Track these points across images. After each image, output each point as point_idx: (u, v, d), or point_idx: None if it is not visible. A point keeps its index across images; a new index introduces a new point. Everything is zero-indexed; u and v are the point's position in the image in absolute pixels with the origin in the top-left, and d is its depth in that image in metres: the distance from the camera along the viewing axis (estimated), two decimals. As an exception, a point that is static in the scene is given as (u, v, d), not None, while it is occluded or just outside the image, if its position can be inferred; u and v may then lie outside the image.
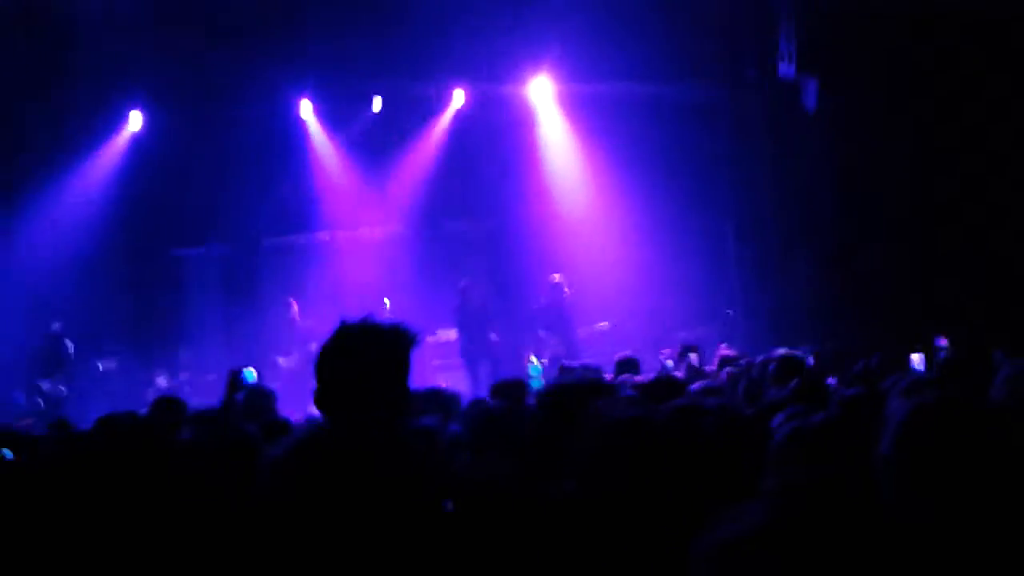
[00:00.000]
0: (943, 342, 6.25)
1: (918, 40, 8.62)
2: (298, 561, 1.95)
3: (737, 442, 2.38)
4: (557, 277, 10.15)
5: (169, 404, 4.51)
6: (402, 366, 2.10)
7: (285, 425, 4.34)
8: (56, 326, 10.32)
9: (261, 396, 5.53)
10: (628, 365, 6.36)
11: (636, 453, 2.21)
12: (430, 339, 11.07)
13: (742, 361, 5.63)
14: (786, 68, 9.63)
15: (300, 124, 11.65)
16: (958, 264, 8.45)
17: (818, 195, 9.49)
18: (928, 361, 5.78)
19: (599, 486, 2.19)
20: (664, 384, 4.13)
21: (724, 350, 6.94)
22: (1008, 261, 8.27)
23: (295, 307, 10.41)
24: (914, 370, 5.51)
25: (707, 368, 6.68)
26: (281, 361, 10.08)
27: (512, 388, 4.78)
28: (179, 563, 2.50)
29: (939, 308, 7.95)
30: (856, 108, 9.10)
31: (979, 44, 8.28)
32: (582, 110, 11.39)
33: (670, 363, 7.73)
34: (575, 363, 8.65)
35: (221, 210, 11.49)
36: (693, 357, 7.00)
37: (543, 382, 9.75)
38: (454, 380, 9.16)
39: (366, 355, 2.06)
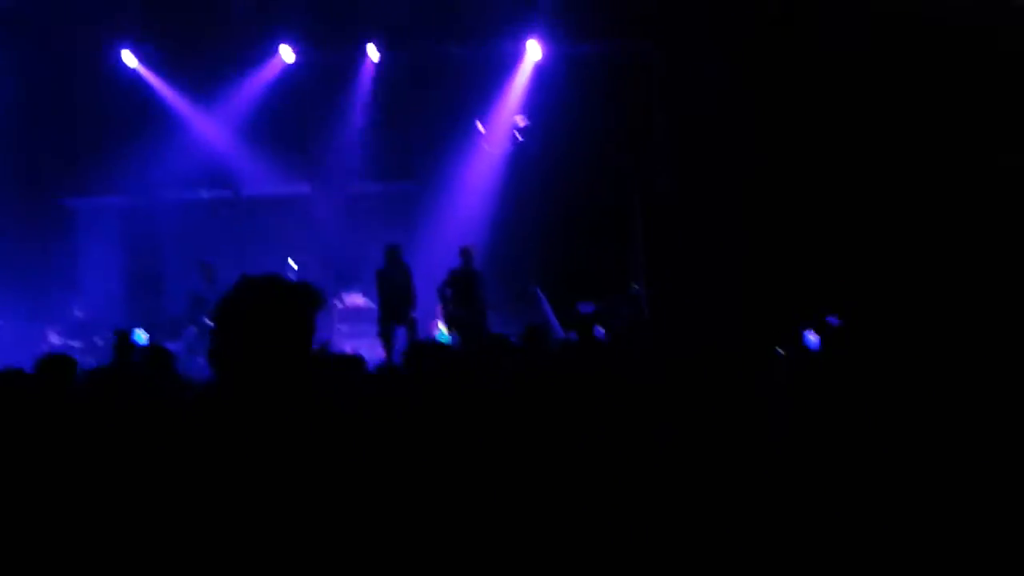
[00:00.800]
0: (834, 320, 6.54)
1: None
2: (188, 520, 1.90)
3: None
4: (468, 246, 10.11)
5: (58, 362, 4.33)
6: (303, 326, 2.04)
7: (187, 385, 4.25)
8: None
9: (159, 356, 5.41)
10: (535, 332, 6.39)
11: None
12: (337, 305, 10.95)
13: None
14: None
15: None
16: (845, 246, 8.81)
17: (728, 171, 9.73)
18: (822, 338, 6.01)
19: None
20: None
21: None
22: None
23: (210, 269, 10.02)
24: (809, 347, 5.73)
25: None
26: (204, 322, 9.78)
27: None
28: (67, 524, 2.42)
29: (830, 288, 8.25)
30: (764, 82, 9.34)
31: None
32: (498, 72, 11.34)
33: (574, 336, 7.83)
34: (483, 331, 8.71)
35: (121, 161, 11.05)
36: None
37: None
38: (361, 348, 9.06)
39: (265, 311, 1.99)
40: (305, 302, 2.03)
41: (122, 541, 1.89)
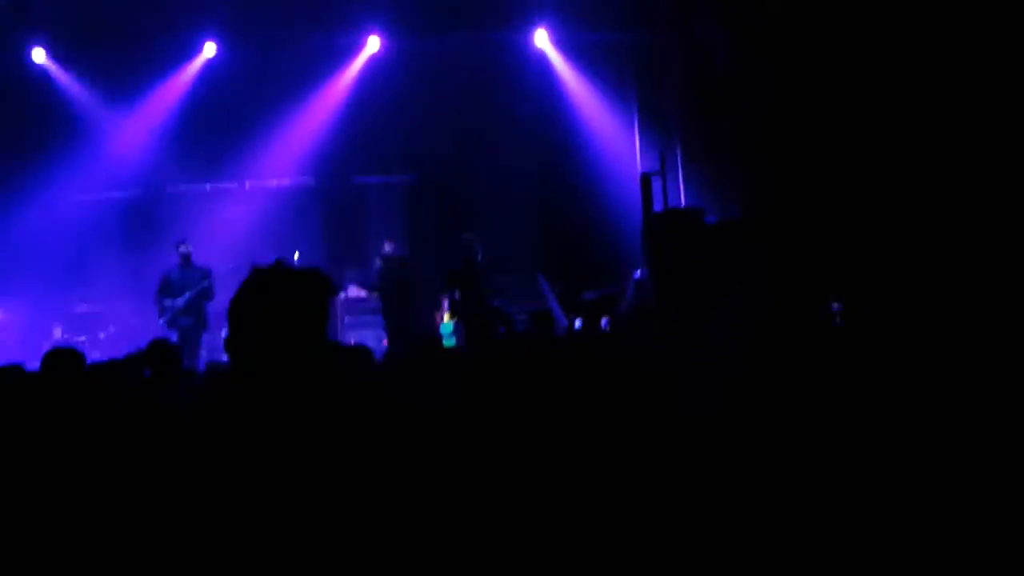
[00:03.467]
0: (837, 306, 6.54)
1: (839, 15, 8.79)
2: (202, 504, 1.89)
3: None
4: (470, 235, 10.09)
5: (65, 357, 4.31)
6: (317, 313, 2.04)
7: (190, 373, 4.24)
8: None
9: (163, 346, 5.42)
10: (541, 318, 6.41)
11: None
12: (341, 296, 10.94)
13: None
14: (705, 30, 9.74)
15: (212, 69, 11.24)
16: (861, 233, 8.73)
17: (731, 159, 9.66)
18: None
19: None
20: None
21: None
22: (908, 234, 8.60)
23: (190, 249, 9.97)
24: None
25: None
26: (167, 303, 9.75)
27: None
28: (78, 512, 2.41)
29: (839, 275, 8.20)
30: (772, 75, 9.24)
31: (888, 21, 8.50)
32: (501, 63, 11.30)
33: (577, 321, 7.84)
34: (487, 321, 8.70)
35: (125, 155, 11.05)
36: None
37: (455, 340, 9.77)
38: (363, 339, 9.06)
39: (279, 300, 1.99)
40: (318, 289, 2.02)
41: (137, 535, 1.88)
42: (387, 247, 10.26)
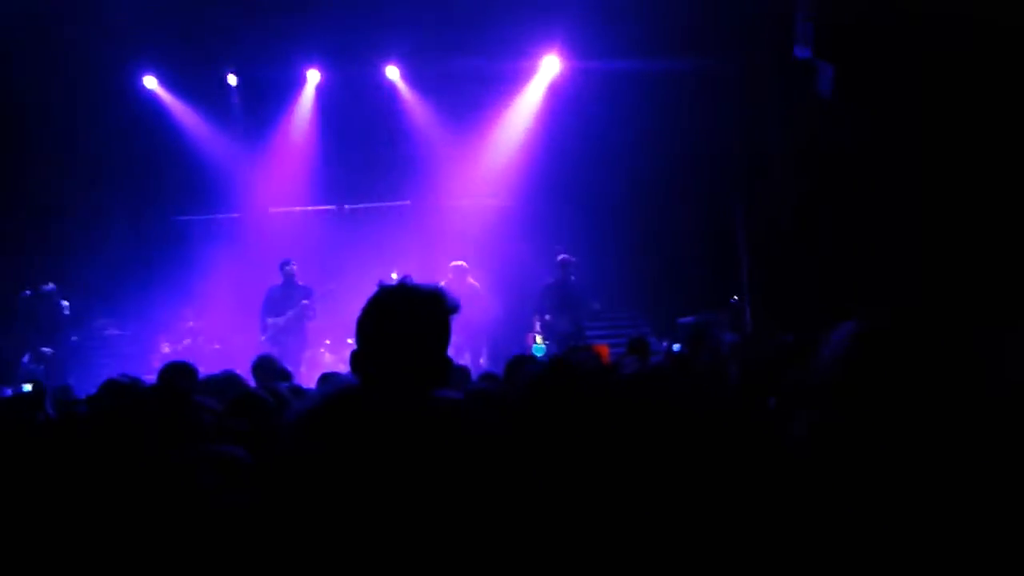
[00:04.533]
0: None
1: (938, 32, 8.53)
2: (320, 517, 1.93)
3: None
4: (564, 256, 10.10)
5: (180, 369, 4.48)
6: (440, 331, 2.08)
7: (298, 389, 4.35)
8: (48, 287, 10.24)
9: (269, 362, 5.59)
10: (637, 345, 6.35)
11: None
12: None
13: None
14: (801, 51, 9.54)
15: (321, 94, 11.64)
16: (968, 258, 8.41)
17: (832, 183, 9.44)
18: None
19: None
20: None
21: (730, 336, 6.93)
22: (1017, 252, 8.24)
23: (295, 269, 10.29)
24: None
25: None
26: (269, 321, 10.07)
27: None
28: (199, 521, 2.48)
29: (945, 300, 7.91)
30: (872, 97, 9.01)
31: (1000, 42, 8.20)
32: (591, 88, 11.35)
33: (675, 347, 7.73)
34: (581, 344, 8.66)
35: (230, 179, 11.50)
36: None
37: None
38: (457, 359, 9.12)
39: (406, 317, 2.04)
40: (442, 307, 2.07)
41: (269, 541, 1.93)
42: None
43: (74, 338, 10.41)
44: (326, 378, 4.53)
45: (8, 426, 3.91)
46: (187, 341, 10.89)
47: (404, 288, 2.11)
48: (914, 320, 1.64)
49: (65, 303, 10.33)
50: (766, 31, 9.89)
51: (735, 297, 10.57)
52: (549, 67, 11.60)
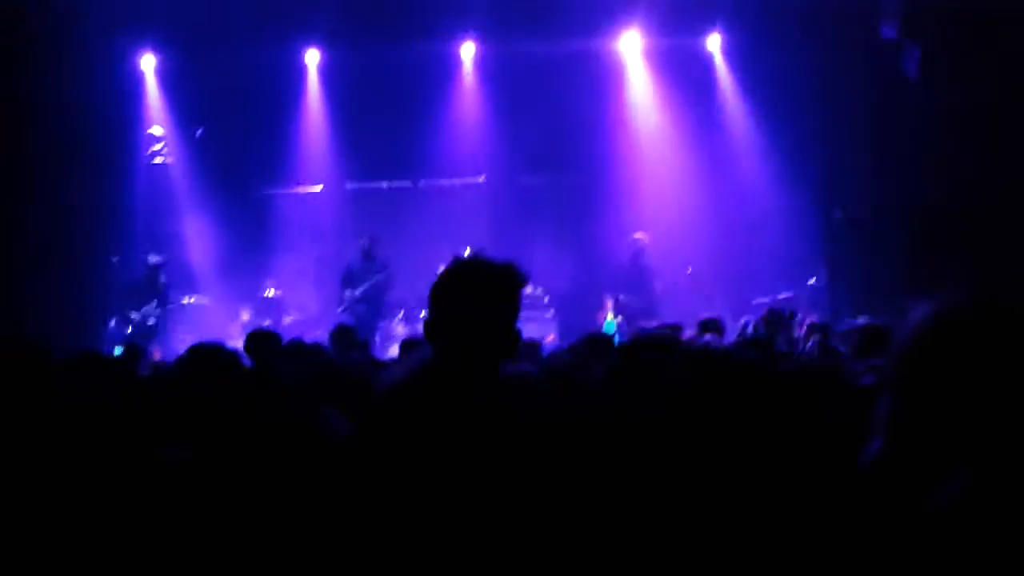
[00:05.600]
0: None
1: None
2: (406, 486, 2.00)
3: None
4: (640, 236, 10.08)
5: (264, 337, 4.65)
6: (512, 303, 2.12)
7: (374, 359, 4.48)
8: (154, 258, 10.63)
9: (346, 332, 5.76)
10: (711, 325, 6.33)
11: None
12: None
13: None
14: (888, 30, 9.31)
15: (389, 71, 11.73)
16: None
17: (916, 166, 9.19)
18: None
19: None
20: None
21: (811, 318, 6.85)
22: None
23: (371, 243, 10.49)
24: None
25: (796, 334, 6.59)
26: (346, 294, 10.31)
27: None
28: (283, 482, 2.59)
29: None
30: (959, 79, 8.74)
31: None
32: (670, 66, 11.24)
33: (751, 328, 7.65)
34: (653, 323, 8.66)
35: (310, 152, 11.73)
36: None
37: (617, 340, 9.78)
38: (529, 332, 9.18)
39: (479, 288, 2.08)
40: (514, 279, 2.12)
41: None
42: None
43: (170, 306, 10.80)
44: (409, 344, 4.63)
45: (103, 383, 4.11)
46: (296, 315, 11.20)
47: (477, 260, 2.16)
48: (997, 304, 1.49)
49: (164, 275, 10.72)
50: (854, 8, 9.65)
51: (813, 278, 10.40)
52: (629, 44, 11.50)
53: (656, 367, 2.65)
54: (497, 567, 1.93)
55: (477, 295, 2.08)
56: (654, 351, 2.80)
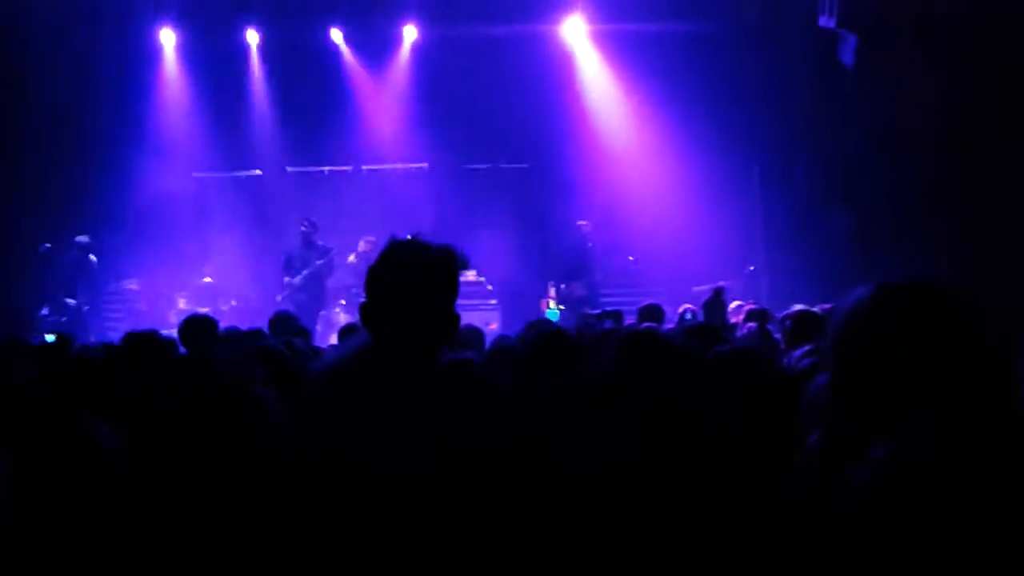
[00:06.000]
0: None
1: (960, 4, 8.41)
2: (341, 477, 1.97)
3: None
4: (583, 224, 10.10)
5: (200, 323, 4.54)
6: (450, 286, 2.08)
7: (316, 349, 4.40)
8: (82, 239, 10.32)
9: (286, 319, 5.66)
10: (651, 313, 6.36)
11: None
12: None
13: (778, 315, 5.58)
14: (826, 20, 9.45)
15: (332, 53, 11.58)
16: (991, 230, 8.34)
17: (854, 153, 9.35)
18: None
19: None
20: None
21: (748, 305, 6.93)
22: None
23: (311, 229, 10.32)
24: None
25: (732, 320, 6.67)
26: (286, 281, 10.15)
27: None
28: (214, 470, 2.52)
29: (970, 273, 7.85)
30: (895, 68, 8.90)
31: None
32: (616, 53, 11.26)
33: (689, 316, 7.71)
34: (595, 311, 8.69)
35: (249, 136, 11.51)
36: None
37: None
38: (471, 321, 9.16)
39: (415, 270, 2.03)
40: (452, 262, 2.07)
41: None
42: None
43: (103, 290, 10.52)
44: (348, 330, 4.56)
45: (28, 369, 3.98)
46: (233, 302, 10.97)
47: (414, 242, 2.11)
48: (933, 286, 1.50)
49: (93, 257, 10.43)
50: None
51: (751, 267, 10.54)
52: (574, 29, 11.49)
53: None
54: (431, 555, 1.90)
55: (413, 277, 2.02)
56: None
